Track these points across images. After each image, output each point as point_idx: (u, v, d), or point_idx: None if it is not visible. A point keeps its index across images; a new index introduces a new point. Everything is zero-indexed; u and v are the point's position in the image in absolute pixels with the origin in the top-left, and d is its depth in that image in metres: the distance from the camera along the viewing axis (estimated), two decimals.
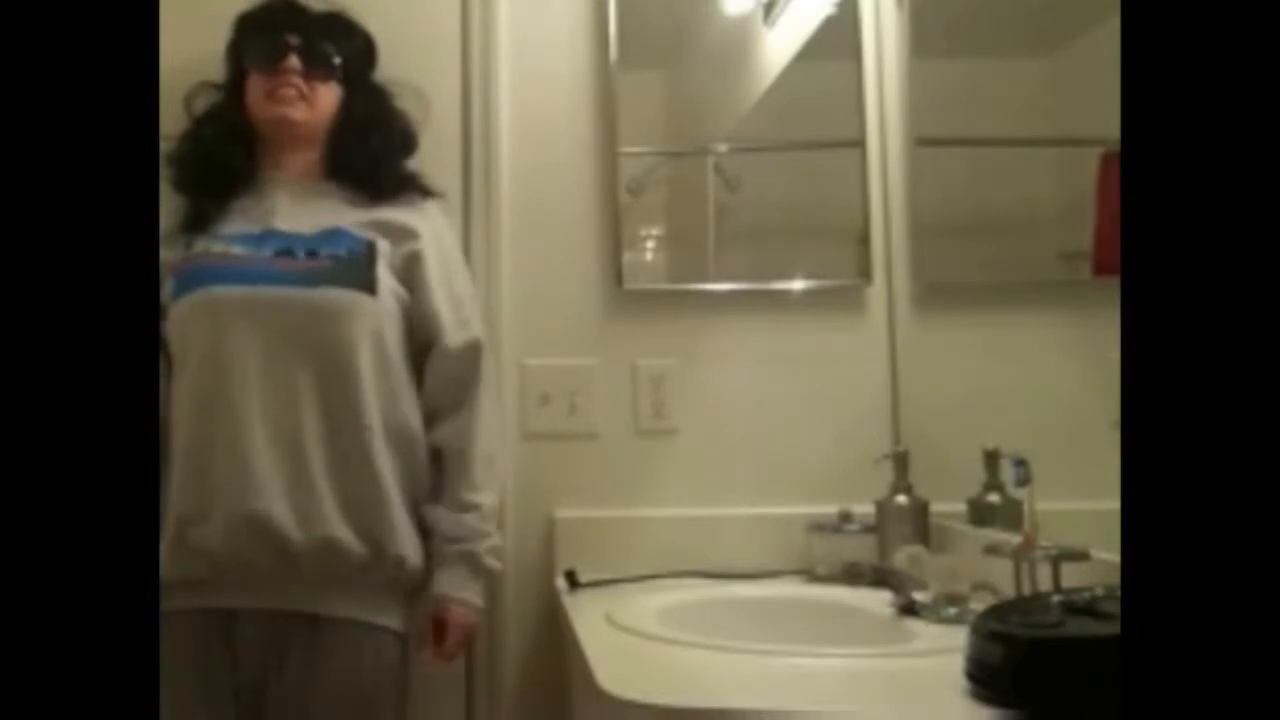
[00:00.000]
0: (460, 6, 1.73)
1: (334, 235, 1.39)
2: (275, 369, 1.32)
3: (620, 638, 1.15)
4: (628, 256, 1.73)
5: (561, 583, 1.49)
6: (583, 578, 1.49)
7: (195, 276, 1.37)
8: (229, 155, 1.48)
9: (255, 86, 1.47)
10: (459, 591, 1.38)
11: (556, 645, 1.59)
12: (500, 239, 1.70)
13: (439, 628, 1.38)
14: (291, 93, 1.45)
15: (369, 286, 1.37)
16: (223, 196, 1.46)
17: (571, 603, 1.39)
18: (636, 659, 1.06)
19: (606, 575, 1.50)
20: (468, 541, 1.39)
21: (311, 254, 1.37)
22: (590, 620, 1.23)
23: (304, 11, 1.50)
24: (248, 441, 1.29)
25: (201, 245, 1.40)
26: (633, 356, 1.72)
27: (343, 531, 1.31)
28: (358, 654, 1.33)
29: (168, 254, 1.41)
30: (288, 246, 1.38)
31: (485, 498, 1.42)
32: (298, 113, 1.46)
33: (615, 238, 1.73)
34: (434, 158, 1.60)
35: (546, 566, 1.64)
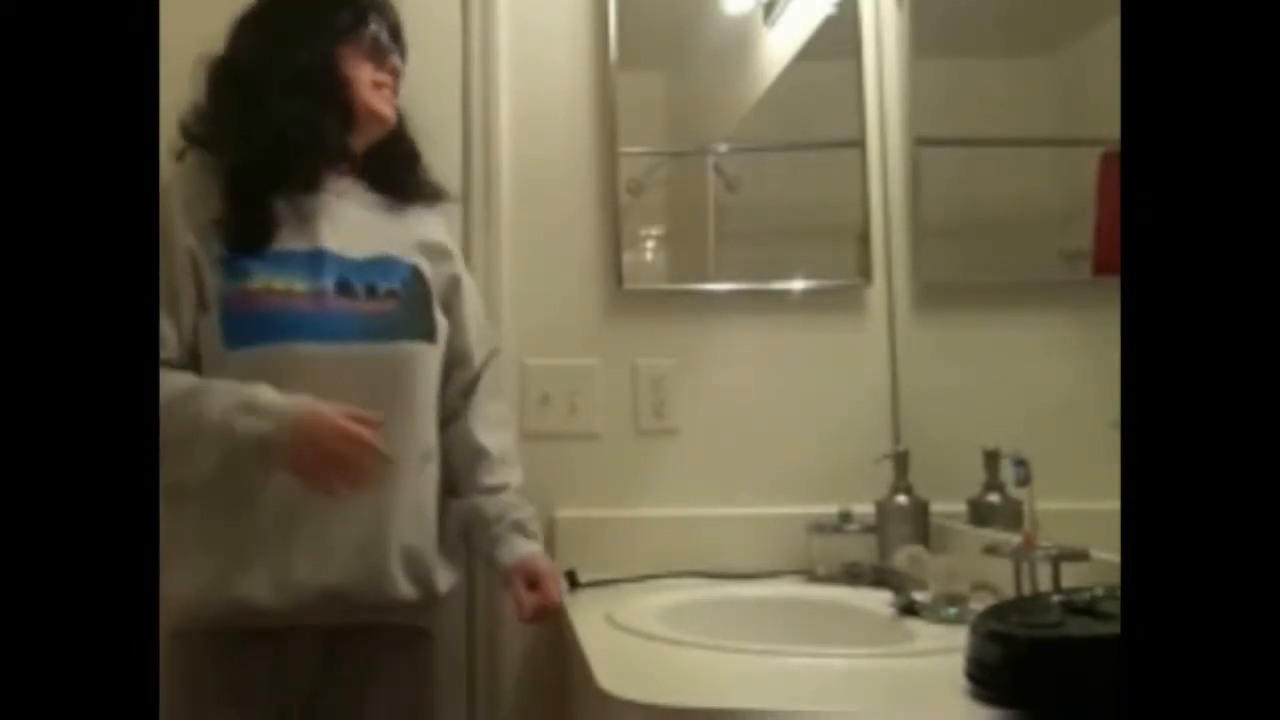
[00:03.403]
0: (460, 6, 1.73)
1: (386, 264, 1.32)
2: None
3: (620, 638, 1.15)
4: (628, 256, 1.73)
5: (562, 583, 1.49)
6: (583, 578, 1.49)
7: (261, 324, 1.22)
8: (336, 135, 1.32)
9: (363, 72, 1.34)
10: (530, 549, 1.36)
11: (556, 645, 1.59)
12: (500, 239, 1.70)
13: (533, 582, 1.34)
14: (389, 94, 1.38)
15: (430, 334, 1.34)
16: (291, 192, 1.28)
17: (571, 603, 1.39)
18: (636, 659, 1.06)
19: (606, 575, 1.50)
20: (510, 513, 1.37)
21: (371, 290, 1.29)
22: (590, 620, 1.23)
23: (393, 10, 1.41)
24: (329, 510, 1.22)
25: (261, 278, 1.23)
26: (633, 356, 1.72)
27: (403, 585, 1.28)
28: (406, 659, 1.33)
29: (203, 270, 1.24)
30: (344, 278, 1.28)
31: (513, 477, 1.41)
32: (391, 116, 1.38)
33: (615, 238, 1.73)
34: (434, 158, 1.60)
35: None
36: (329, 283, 1.27)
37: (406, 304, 1.33)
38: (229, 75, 1.31)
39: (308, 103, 1.28)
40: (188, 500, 1.20)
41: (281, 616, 1.22)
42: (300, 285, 1.25)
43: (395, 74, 1.38)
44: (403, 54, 1.42)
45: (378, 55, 1.36)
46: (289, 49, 1.30)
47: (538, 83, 1.74)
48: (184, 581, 1.19)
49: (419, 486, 1.32)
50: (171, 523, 1.18)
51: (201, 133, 1.30)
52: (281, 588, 1.21)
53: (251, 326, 1.22)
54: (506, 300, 1.69)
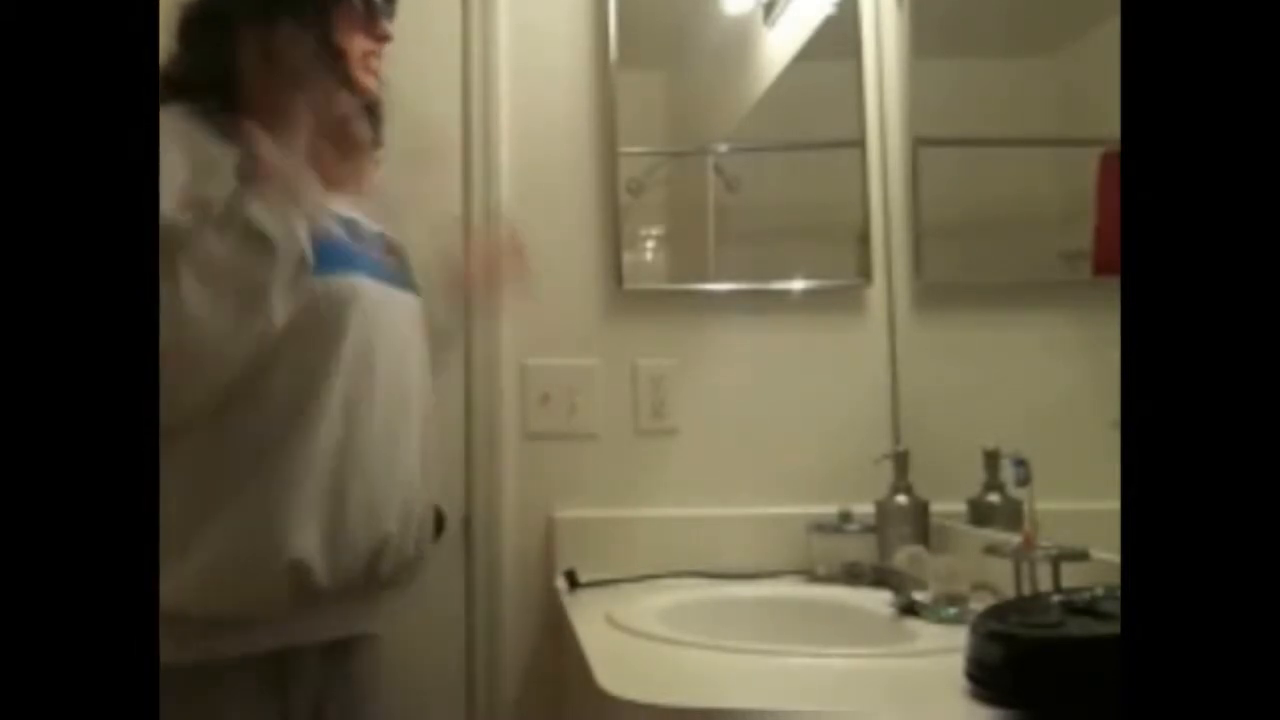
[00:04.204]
0: (460, 6, 1.73)
1: (357, 224, 1.26)
2: (396, 381, 1.19)
3: (620, 638, 1.15)
4: (628, 256, 1.74)
5: (561, 583, 1.49)
6: (583, 578, 1.49)
7: (330, 255, 1.12)
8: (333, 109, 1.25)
9: (355, 43, 1.24)
10: None
11: (556, 645, 1.60)
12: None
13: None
14: (376, 64, 1.26)
15: (418, 292, 1.30)
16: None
17: (571, 603, 1.39)
18: (636, 659, 1.06)
19: (606, 575, 1.50)
20: None
21: (374, 242, 1.25)
22: (590, 620, 1.23)
23: None
24: (385, 463, 1.16)
25: None
26: (633, 356, 1.72)
27: (410, 549, 1.21)
28: (375, 667, 1.28)
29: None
30: (352, 228, 1.22)
31: None
32: (374, 89, 1.28)
33: (615, 238, 1.73)
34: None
35: (546, 566, 1.64)
36: (342, 230, 1.20)
37: (399, 256, 1.29)
38: (212, 23, 1.22)
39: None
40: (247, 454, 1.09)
41: (325, 590, 1.11)
42: (330, 224, 1.17)
43: (385, 41, 1.27)
44: (392, 12, 1.31)
45: (370, 22, 1.27)
46: (283, 7, 1.20)
47: (538, 83, 1.75)
48: (237, 552, 1.06)
49: (428, 442, 1.26)
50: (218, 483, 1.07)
51: (180, 79, 1.19)
52: (335, 548, 1.10)
53: (323, 255, 1.11)
54: (507, 300, 1.70)
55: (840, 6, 1.78)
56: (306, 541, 1.08)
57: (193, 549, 1.06)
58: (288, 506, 1.08)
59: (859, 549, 1.50)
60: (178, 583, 1.02)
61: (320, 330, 1.12)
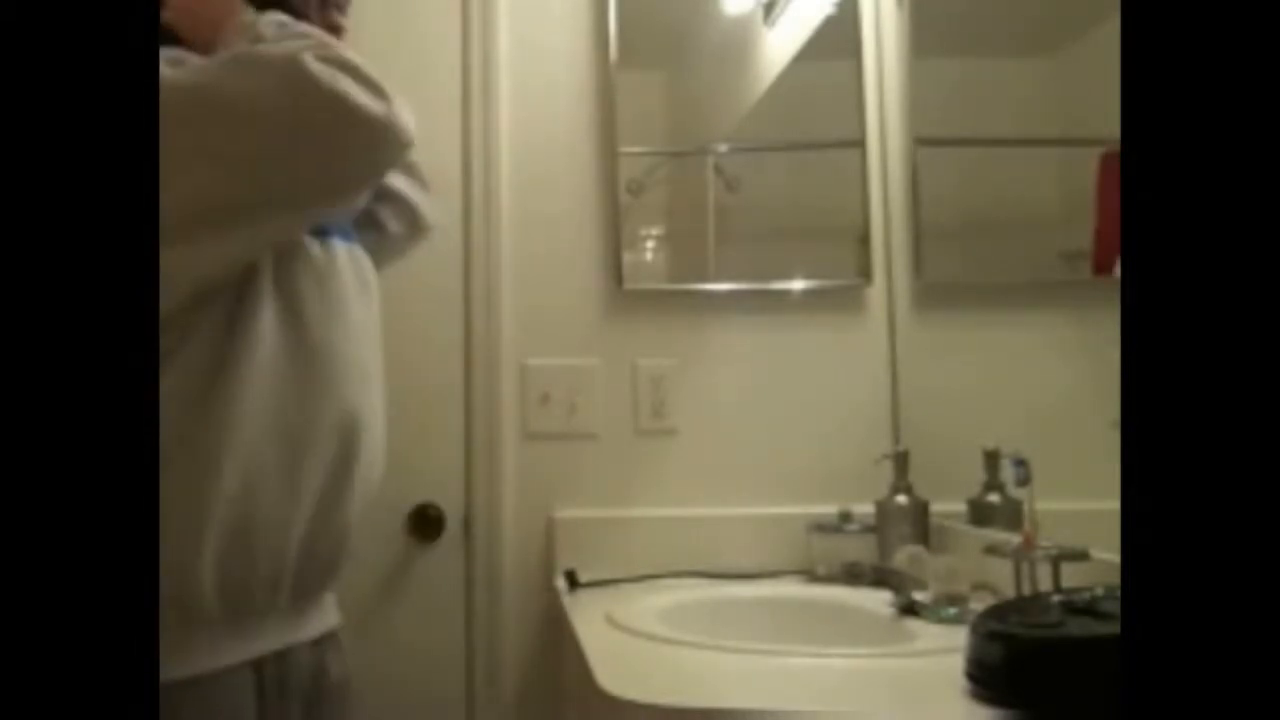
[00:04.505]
0: (460, 6, 1.73)
1: None
2: (369, 335, 1.14)
3: (620, 638, 1.15)
4: (628, 256, 1.74)
5: (561, 583, 1.49)
6: (583, 578, 1.49)
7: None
8: None
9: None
10: None
11: (556, 645, 1.60)
12: (500, 239, 1.70)
13: None
14: None
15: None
16: None
17: (571, 603, 1.39)
18: (636, 659, 1.06)
19: (606, 575, 1.50)
20: None
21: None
22: (590, 620, 1.23)
23: None
24: (370, 413, 1.11)
25: None
26: (633, 356, 1.72)
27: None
28: (345, 661, 1.19)
29: None
30: None
31: None
32: None
33: (615, 238, 1.73)
34: (434, 158, 1.59)
35: (546, 566, 1.64)
36: None
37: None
38: None
39: None
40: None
41: (328, 572, 1.08)
42: None
43: (336, 31, 1.19)
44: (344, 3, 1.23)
45: (324, 11, 1.19)
46: None
47: (538, 84, 1.75)
48: (251, 525, 1.00)
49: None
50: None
51: None
52: (331, 528, 1.07)
53: None
54: (507, 300, 1.70)
55: (840, 6, 1.78)
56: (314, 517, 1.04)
57: (202, 535, 0.98)
58: (301, 477, 1.02)
59: (859, 549, 1.50)
60: (181, 573, 0.96)
61: (333, 292, 1.08)
